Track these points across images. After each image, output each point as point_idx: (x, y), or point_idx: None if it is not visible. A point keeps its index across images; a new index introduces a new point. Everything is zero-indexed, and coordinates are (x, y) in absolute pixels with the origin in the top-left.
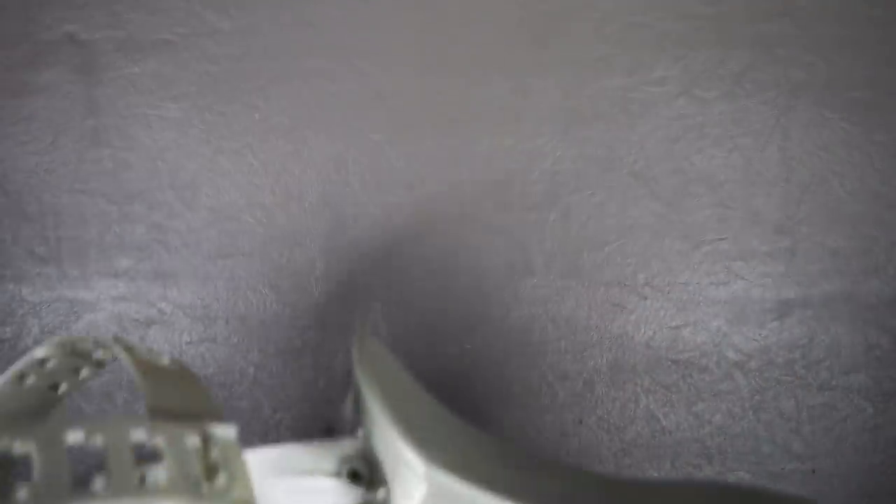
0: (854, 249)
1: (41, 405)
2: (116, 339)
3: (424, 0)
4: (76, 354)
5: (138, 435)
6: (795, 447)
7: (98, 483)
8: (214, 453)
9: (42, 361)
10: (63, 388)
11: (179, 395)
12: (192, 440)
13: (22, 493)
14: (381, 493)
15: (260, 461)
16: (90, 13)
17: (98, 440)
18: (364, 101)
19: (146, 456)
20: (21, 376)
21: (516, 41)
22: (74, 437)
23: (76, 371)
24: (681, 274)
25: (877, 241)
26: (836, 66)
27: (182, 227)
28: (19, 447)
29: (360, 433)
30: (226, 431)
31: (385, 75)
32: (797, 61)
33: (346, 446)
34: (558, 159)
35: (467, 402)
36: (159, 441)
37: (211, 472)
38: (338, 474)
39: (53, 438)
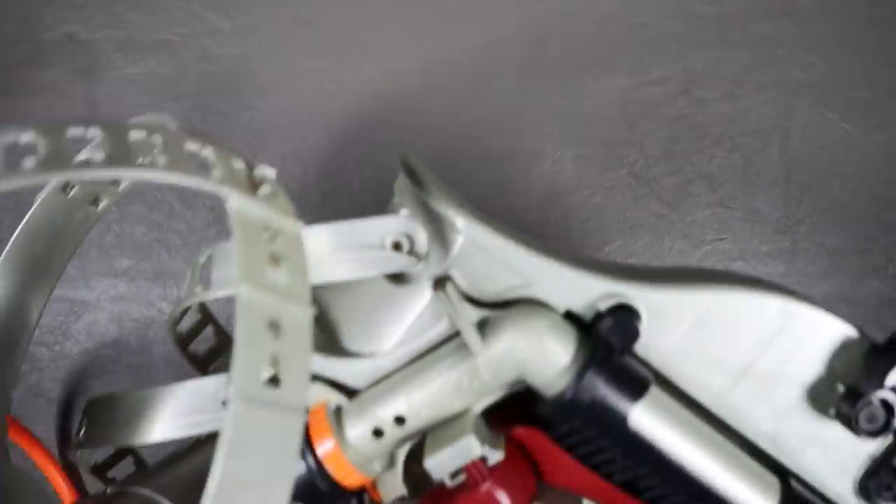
0: (854, 249)
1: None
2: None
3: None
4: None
5: (191, 146)
6: None
7: (160, 160)
8: (258, 175)
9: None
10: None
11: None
12: (238, 162)
13: (97, 155)
14: (421, 259)
15: (310, 235)
16: (90, 13)
17: (157, 139)
18: (364, 101)
19: None
20: (65, 186)
21: (516, 41)
22: (137, 134)
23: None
24: None
25: (877, 241)
26: (836, 66)
27: (182, 227)
28: (90, 133)
29: (402, 212)
30: (268, 169)
31: (384, 75)
32: (797, 61)
33: (390, 222)
34: (558, 159)
35: None
36: (209, 152)
37: (255, 186)
38: (382, 246)
39: (119, 130)
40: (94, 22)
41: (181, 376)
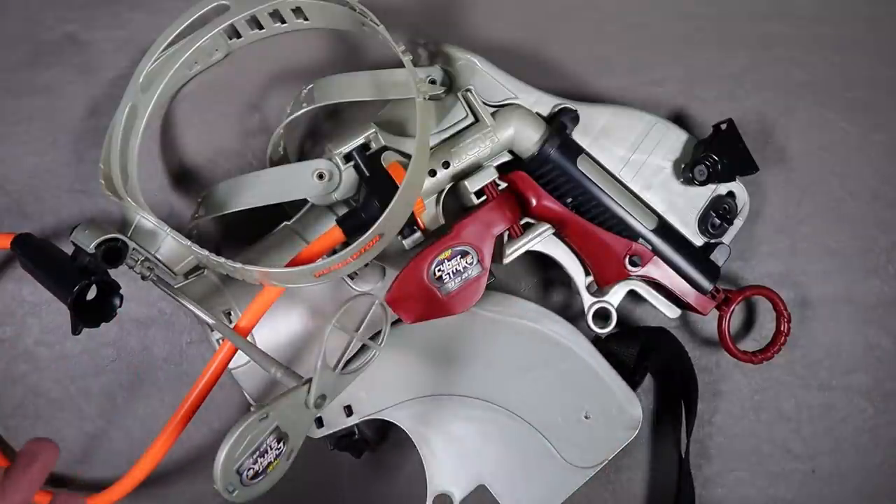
0: (854, 249)
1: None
2: None
3: None
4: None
5: None
6: (795, 447)
7: None
8: None
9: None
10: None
11: None
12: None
13: None
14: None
15: None
16: (90, 13)
17: None
18: None
19: None
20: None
21: (517, 41)
22: None
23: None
24: None
25: (877, 241)
26: (836, 66)
27: (182, 225)
28: None
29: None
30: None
31: None
32: (797, 61)
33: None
34: None
35: None
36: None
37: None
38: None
39: None
40: (94, 22)
41: (181, 376)
